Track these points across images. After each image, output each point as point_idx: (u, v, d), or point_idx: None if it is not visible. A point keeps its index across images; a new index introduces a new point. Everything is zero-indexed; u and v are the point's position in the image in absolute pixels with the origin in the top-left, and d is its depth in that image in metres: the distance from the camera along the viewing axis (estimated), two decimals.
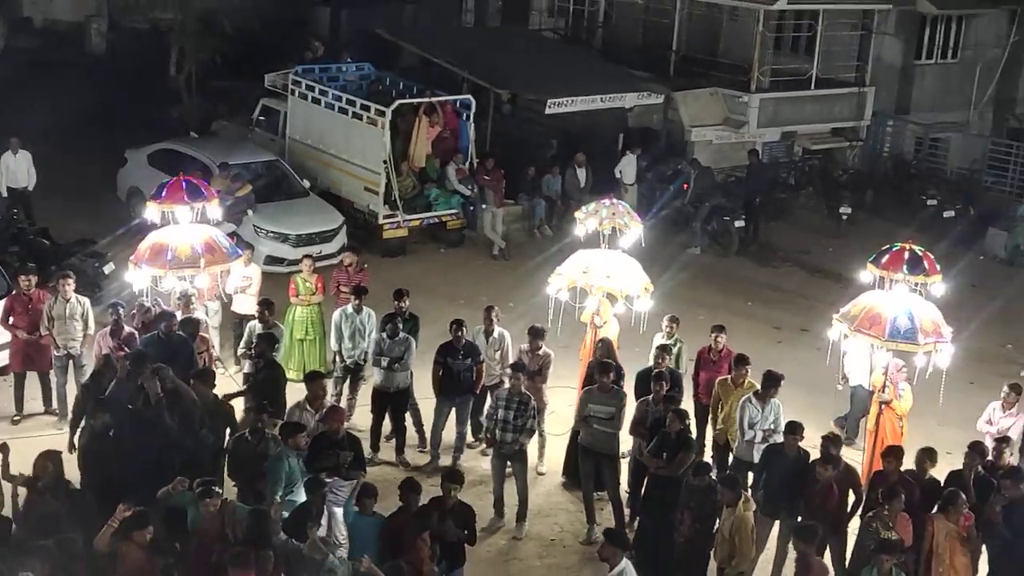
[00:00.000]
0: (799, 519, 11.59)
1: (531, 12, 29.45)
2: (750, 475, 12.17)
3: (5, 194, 19.50)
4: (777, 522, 11.86)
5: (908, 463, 11.66)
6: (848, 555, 11.53)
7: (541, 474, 13.80)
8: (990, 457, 11.86)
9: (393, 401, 13.80)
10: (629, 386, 13.10)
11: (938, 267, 12.41)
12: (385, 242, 20.51)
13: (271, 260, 18.82)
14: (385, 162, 20.41)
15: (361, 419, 14.19)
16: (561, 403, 14.34)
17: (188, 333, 13.14)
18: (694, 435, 12.88)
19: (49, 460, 10.29)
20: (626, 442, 12.88)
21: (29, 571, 8.84)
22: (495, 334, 13.91)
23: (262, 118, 22.96)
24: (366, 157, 20.71)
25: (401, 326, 13.77)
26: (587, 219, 14.28)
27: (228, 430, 11.88)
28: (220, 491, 10.20)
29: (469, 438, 14.07)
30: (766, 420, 12.35)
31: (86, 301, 14.21)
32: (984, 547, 11.25)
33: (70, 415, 12.46)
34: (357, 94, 21.62)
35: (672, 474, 11.68)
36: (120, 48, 28.22)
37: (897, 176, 26.22)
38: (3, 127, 20.29)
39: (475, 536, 10.81)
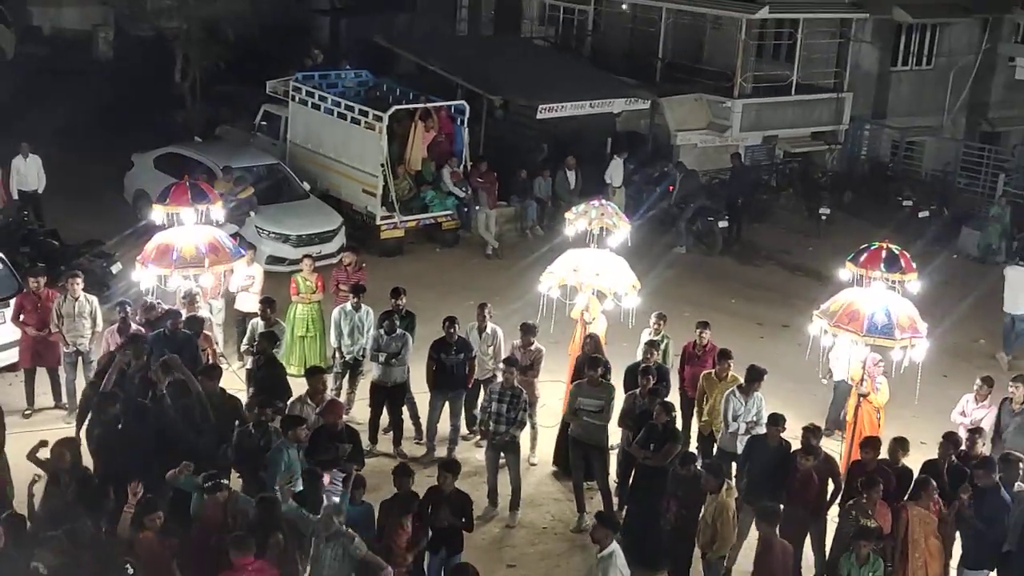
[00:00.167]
0: (780, 507, 11.63)
1: (523, 21, 29.44)
2: (733, 466, 12.18)
3: (16, 197, 19.46)
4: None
5: (884, 453, 11.70)
6: (829, 542, 11.56)
7: (533, 465, 13.82)
8: (963, 447, 11.89)
9: (391, 395, 13.81)
10: (616, 380, 13.11)
11: (914, 265, 12.44)
12: (383, 242, 20.50)
13: (273, 260, 18.80)
14: (382, 165, 20.40)
15: (360, 412, 14.20)
16: (552, 397, 14.35)
17: (192, 331, 13.13)
18: (680, 427, 12.90)
19: (66, 447, 10.31)
20: (615, 434, 12.90)
21: (39, 562, 8.83)
22: (488, 330, 13.92)
23: (264, 123, 22.92)
24: (364, 161, 20.70)
25: (398, 323, 13.78)
26: (577, 220, 14.30)
27: (237, 423, 11.88)
28: (228, 483, 10.21)
29: (464, 430, 14.09)
30: (749, 412, 12.38)
31: (94, 299, 14.20)
32: (958, 532, 11.27)
33: (78, 410, 12.46)
34: (355, 100, 21.59)
35: (659, 464, 11.71)
36: (126, 55, 28.15)
37: (874, 178, 26.27)
38: (14, 132, 20.24)
39: (472, 524, 10.83)
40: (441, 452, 13.71)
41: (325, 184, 21.33)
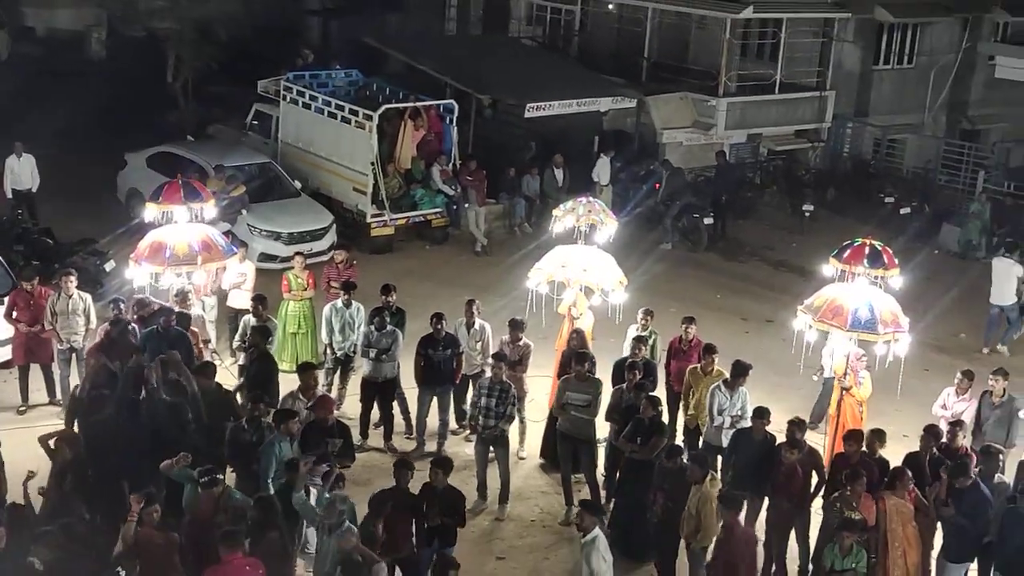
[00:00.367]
0: (766, 499, 11.65)
1: (511, 20, 29.39)
2: (719, 459, 12.17)
3: (10, 196, 19.38)
4: (745, 502, 11.85)
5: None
6: (814, 534, 11.56)
7: (522, 459, 13.81)
8: (944, 440, 11.90)
9: (381, 390, 13.78)
10: (604, 375, 13.09)
11: (896, 261, 12.45)
12: (373, 240, 20.47)
13: (265, 257, 18.76)
14: (372, 164, 20.37)
15: (351, 408, 14.17)
16: (540, 391, 14.33)
17: (181, 327, 13.08)
18: (666, 421, 12.89)
19: (67, 442, 10.27)
20: (603, 428, 12.88)
21: (35, 557, 8.79)
22: (476, 326, 13.90)
23: (255, 122, 22.86)
24: (354, 159, 20.66)
25: (388, 319, 13.75)
26: (564, 217, 14.28)
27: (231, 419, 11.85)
28: (223, 478, 10.17)
29: (453, 425, 14.07)
30: (734, 407, 12.38)
31: (87, 297, 14.15)
32: (938, 524, 11.29)
33: (66, 412, 12.40)
34: (346, 99, 21.56)
35: (645, 458, 11.70)
36: (119, 56, 28.03)
37: (856, 175, 26.29)
38: (8, 132, 20.15)
39: (464, 520, 10.81)
40: (431, 447, 13.70)
41: (316, 182, 21.29)
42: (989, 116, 29.16)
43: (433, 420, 13.76)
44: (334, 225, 20.01)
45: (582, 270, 13.76)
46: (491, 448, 12.69)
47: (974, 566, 11.28)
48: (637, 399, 12.15)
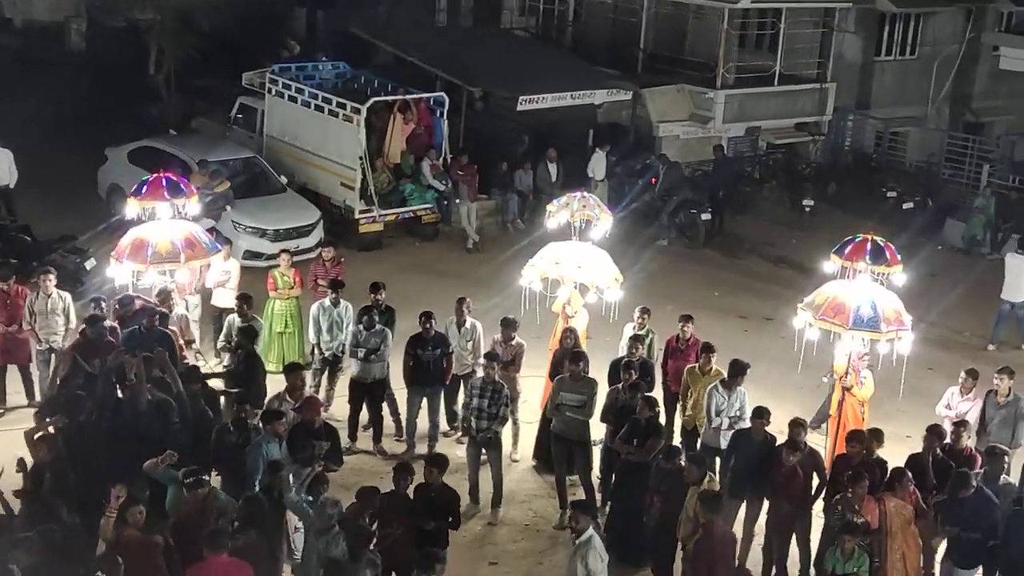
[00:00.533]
0: (765, 501, 11.66)
1: (502, 11, 29.37)
2: (717, 461, 12.18)
3: None
4: (744, 504, 11.89)
5: None
6: (815, 537, 11.59)
7: (515, 461, 13.81)
8: (948, 440, 11.92)
9: (370, 391, 13.77)
10: (599, 374, 13.10)
11: (899, 257, 12.47)
12: (361, 236, 20.46)
13: (250, 255, 18.72)
14: (360, 158, 20.35)
15: (339, 409, 14.16)
16: (534, 392, 14.33)
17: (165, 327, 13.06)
18: (663, 422, 12.89)
19: (44, 443, 10.25)
20: (598, 429, 12.88)
21: (14, 564, 8.77)
22: (467, 325, 13.90)
23: (240, 116, 22.81)
24: (342, 154, 20.63)
25: (377, 318, 13.75)
26: (558, 212, 14.30)
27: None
28: (208, 480, 10.16)
29: (444, 427, 14.07)
30: (732, 407, 12.39)
31: (67, 296, 14.12)
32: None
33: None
34: (333, 92, 21.51)
35: (642, 459, 11.71)
36: (100, 47, 27.92)
37: (858, 169, 26.35)
38: None
39: (459, 521, 10.79)
40: (421, 449, 13.68)
41: (303, 178, 21.25)
42: (993, 108, 29.23)
43: (423, 422, 13.76)
44: (321, 221, 19.98)
45: (576, 267, 13.76)
46: (483, 450, 12.68)
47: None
48: (633, 400, 12.15)
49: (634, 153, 23.91)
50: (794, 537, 11.67)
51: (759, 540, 11.91)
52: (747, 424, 12.03)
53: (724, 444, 12.21)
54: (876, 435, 11.74)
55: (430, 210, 21.18)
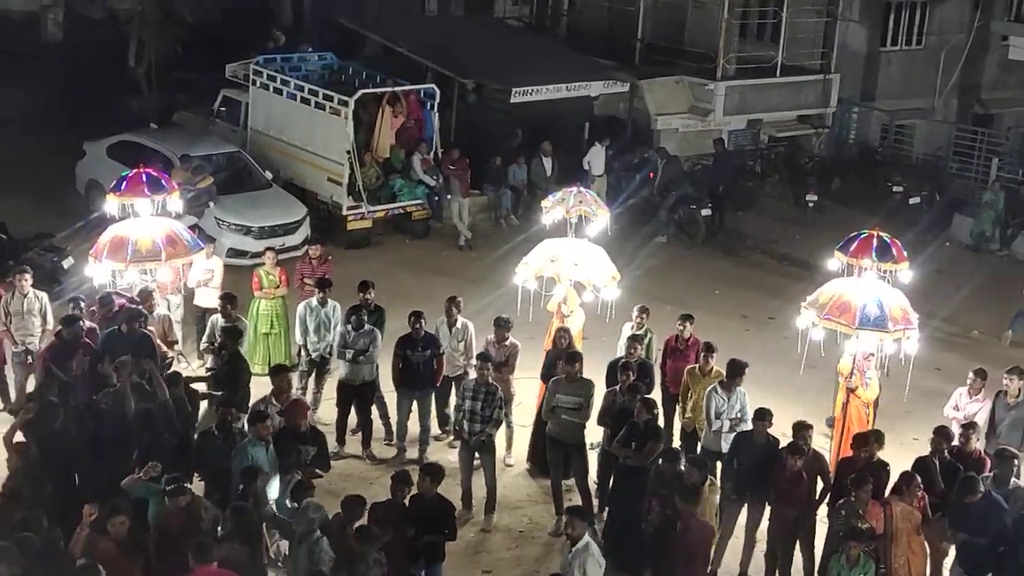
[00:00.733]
0: (767, 506, 11.67)
1: (495, 0, 29.37)
2: (718, 466, 12.19)
3: None
4: (745, 508, 11.90)
5: None
6: (819, 543, 11.60)
7: (509, 466, 13.81)
8: (956, 442, 11.94)
9: (359, 394, 13.76)
10: (595, 375, 13.09)
11: (905, 254, 12.48)
12: (349, 234, 20.44)
13: (234, 253, 18.69)
14: (348, 152, 20.33)
15: (327, 413, 14.15)
16: (528, 394, 14.33)
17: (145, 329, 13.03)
18: (662, 424, 12.90)
19: (18, 452, 10.23)
20: (594, 432, 12.88)
21: None
22: (458, 324, 13.90)
23: (223, 109, 22.78)
24: (329, 148, 20.61)
25: (366, 318, 13.74)
26: (553, 208, 14.29)
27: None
28: (190, 487, 10.14)
29: (436, 430, 14.06)
30: (732, 409, 12.40)
31: (44, 296, 14.09)
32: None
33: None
34: (319, 84, 21.49)
35: (640, 464, 11.71)
36: (78, 38, 27.85)
37: (863, 163, 26.35)
38: None
39: (455, 532, 10.78)
40: (412, 454, 13.69)
41: (288, 173, 21.23)
42: (1003, 100, 29.24)
43: (414, 425, 13.75)
44: (308, 218, 19.97)
45: (573, 265, 13.76)
46: (476, 455, 12.68)
47: None
48: (632, 402, 12.15)
49: (631, 147, 23.90)
50: (797, 543, 11.68)
51: (761, 547, 11.91)
52: (749, 426, 12.04)
53: (725, 448, 12.21)
54: (877, 436, 11.77)
55: (421, 206, 21.16)
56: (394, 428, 13.96)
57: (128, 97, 24.99)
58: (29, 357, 13.87)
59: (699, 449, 12.78)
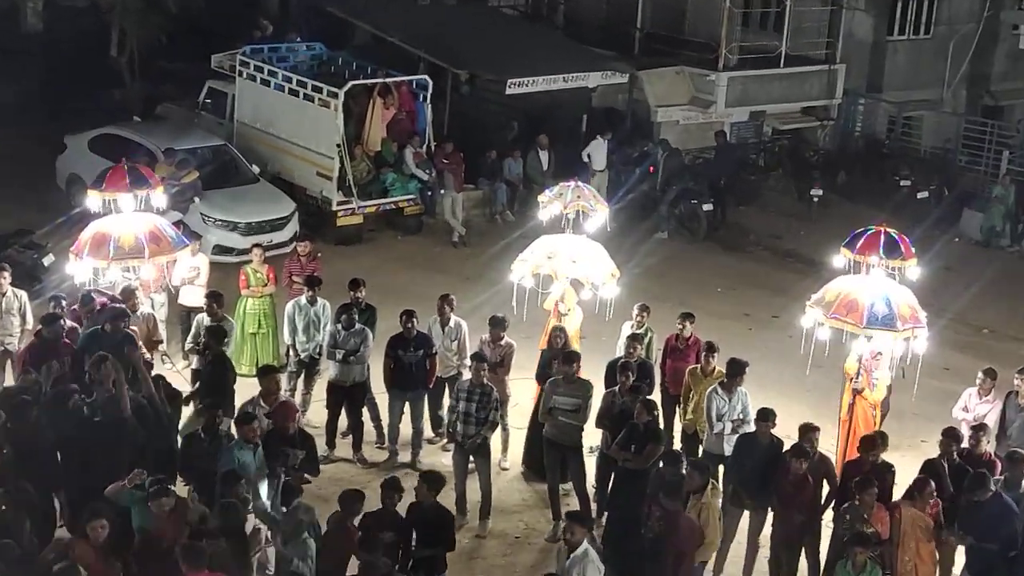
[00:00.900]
0: (770, 511, 11.67)
1: None
2: (720, 469, 12.18)
3: None
4: (747, 513, 11.91)
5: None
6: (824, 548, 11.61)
7: (505, 469, 13.81)
8: (966, 445, 11.94)
9: (349, 395, 13.76)
10: (590, 375, 13.08)
11: (913, 251, 12.48)
12: (339, 230, 20.44)
13: (220, 250, 18.71)
14: (338, 146, 20.32)
15: (316, 415, 14.14)
16: (524, 395, 14.33)
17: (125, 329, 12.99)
18: (662, 426, 12.90)
19: None
20: (592, 435, 12.88)
21: None
22: (451, 323, 13.89)
23: (209, 101, 22.78)
24: (318, 141, 20.61)
25: (357, 317, 13.73)
26: (551, 203, 14.29)
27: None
28: (174, 490, 10.13)
29: (428, 433, 14.06)
30: (734, 410, 12.40)
31: (23, 295, 14.06)
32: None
33: None
34: (308, 75, 21.50)
35: (640, 467, 11.71)
36: (58, 28, 27.82)
37: (869, 156, 26.40)
38: None
39: (453, 543, 10.74)
40: (404, 457, 13.69)
41: (276, 167, 21.23)
42: (1013, 91, 29.28)
43: (406, 428, 13.75)
44: (296, 214, 19.97)
45: (570, 262, 13.76)
46: (471, 458, 12.67)
47: None
48: (631, 403, 12.15)
49: (631, 140, 23.90)
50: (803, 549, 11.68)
51: (764, 552, 11.92)
52: (752, 427, 12.04)
53: (728, 450, 12.21)
54: (882, 438, 11.78)
55: (413, 201, 21.16)
56: (386, 431, 13.95)
57: (110, 88, 24.97)
58: (8, 359, 13.84)
59: (700, 452, 12.78)
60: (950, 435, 11.87)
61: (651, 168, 22.83)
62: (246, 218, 19.45)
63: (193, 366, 13.95)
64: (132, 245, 13.28)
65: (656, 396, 13.31)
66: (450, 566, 11.67)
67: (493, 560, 12.35)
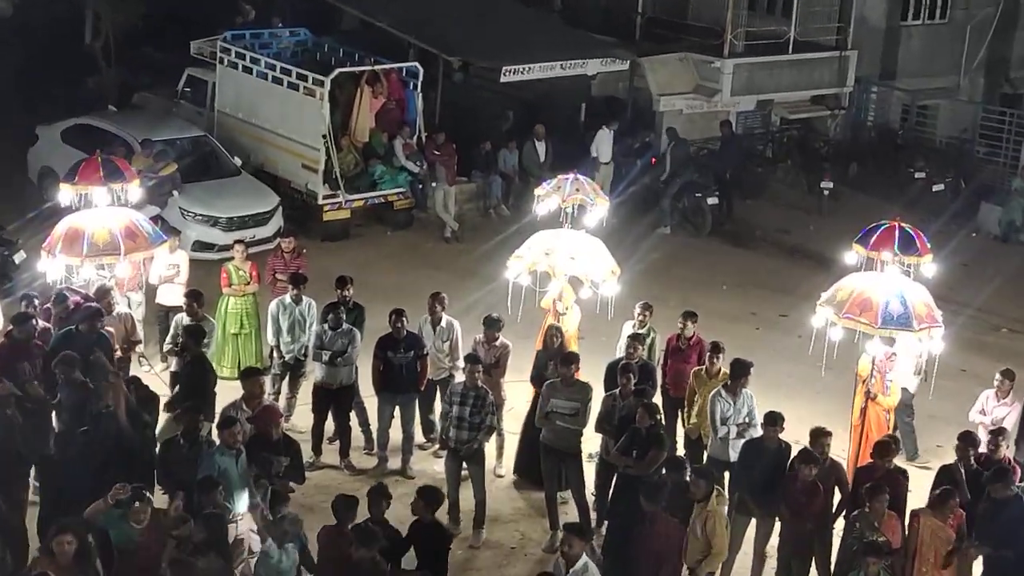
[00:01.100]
0: (777, 520, 11.67)
1: None
2: (726, 476, 12.18)
3: None
4: (753, 522, 11.91)
5: None
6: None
7: (499, 476, 13.81)
8: (984, 449, 11.94)
9: (336, 399, 13.75)
10: (590, 378, 13.07)
11: (929, 246, 12.48)
12: (326, 225, 20.45)
13: (200, 246, 18.74)
14: (324, 137, 20.32)
15: (302, 419, 14.13)
16: (520, 399, 14.33)
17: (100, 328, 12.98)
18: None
19: None
20: (591, 441, 12.87)
21: None
22: (443, 323, 13.89)
23: (188, 90, 22.79)
24: (303, 131, 20.60)
25: (344, 317, 13.73)
26: (548, 197, 14.29)
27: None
28: (149, 496, 10.11)
29: (420, 438, 14.05)
30: (739, 413, 12.39)
31: None
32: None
33: None
34: (292, 62, 21.51)
35: (642, 473, 11.70)
36: (29, 13, 27.79)
37: (882, 147, 26.40)
38: None
39: (446, 568, 10.68)
40: (394, 464, 13.68)
41: (259, 159, 21.24)
42: None
43: (396, 433, 13.74)
44: (280, 208, 19.98)
45: (569, 258, 13.75)
46: (464, 464, 12.67)
47: None
48: (633, 407, 12.14)
49: (632, 130, 23.91)
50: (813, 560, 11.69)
51: (771, 563, 11.92)
52: (759, 432, 12.04)
53: (733, 456, 12.21)
54: (896, 443, 11.80)
55: (403, 195, 21.17)
56: (375, 436, 13.95)
57: (84, 76, 24.97)
58: None
59: (705, 458, 12.78)
60: (967, 439, 11.87)
61: (653, 160, 22.82)
62: (227, 213, 19.44)
63: (172, 368, 13.92)
64: (107, 241, 13.26)
65: (657, 399, 13.30)
66: None
67: (488, 571, 12.35)
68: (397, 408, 13.66)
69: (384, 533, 10.14)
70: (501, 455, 13.92)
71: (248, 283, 15.30)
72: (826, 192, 23.65)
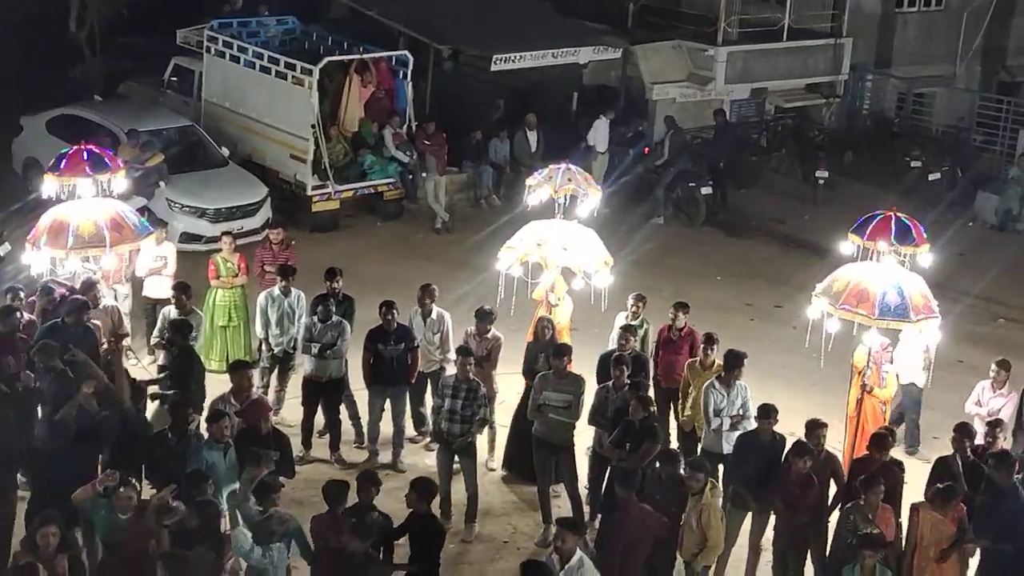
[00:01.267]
0: (771, 513, 11.69)
1: None
2: (720, 469, 12.19)
3: None
4: (748, 516, 11.93)
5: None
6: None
7: (492, 470, 13.82)
8: (981, 441, 11.97)
9: (326, 392, 13.75)
10: (582, 370, 13.09)
11: (926, 236, 12.49)
12: (315, 216, 20.44)
13: (187, 237, 18.72)
14: (313, 126, 20.29)
15: (291, 413, 14.13)
16: (512, 391, 14.33)
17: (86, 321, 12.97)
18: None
19: None
20: (584, 433, 12.88)
21: None
22: (433, 315, 13.88)
23: (175, 79, 22.75)
24: (292, 121, 20.58)
25: (334, 309, 13.71)
26: (540, 187, 14.30)
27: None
28: (135, 482, 10.10)
29: (411, 431, 14.05)
30: (733, 405, 12.41)
31: None
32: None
33: None
34: (281, 51, 21.48)
35: (635, 466, 11.70)
36: (12, 1, 27.74)
37: (878, 135, 26.44)
38: None
39: (438, 563, 10.68)
40: (385, 457, 13.69)
41: (247, 149, 21.21)
42: None
43: (387, 426, 13.74)
44: (268, 199, 19.96)
45: (561, 249, 13.76)
46: (456, 458, 12.68)
47: None
48: (627, 399, 12.15)
49: (625, 119, 23.90)
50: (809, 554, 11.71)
51: (767, 556, 11.95)
52: (752, 424, 12.05)
53: (727, 448, 12.23)
54: (892, 435, 11.81)
55: (393, 185, 21.17)
56: (365, 429, 13.95)
57: (69, 66, 24.90)
58: None
59: (699, 450, 12.79)
60: (963, 431, 11.88)
61: (646, 149, 22.82)
62: (215, 204, 19.43)
63: (159, 362, 13.91)
64: (92, 233, 13.23)
65: (648, 391, 13.31)
66: None
67: (480, 566, 12.36)
68: (388, 401, 13.66)
69: (374, 519, 10.17)
70: (493, 448, 13.93)
71: (236, 275, 15.29)
72: (821, 181, 23.66)
